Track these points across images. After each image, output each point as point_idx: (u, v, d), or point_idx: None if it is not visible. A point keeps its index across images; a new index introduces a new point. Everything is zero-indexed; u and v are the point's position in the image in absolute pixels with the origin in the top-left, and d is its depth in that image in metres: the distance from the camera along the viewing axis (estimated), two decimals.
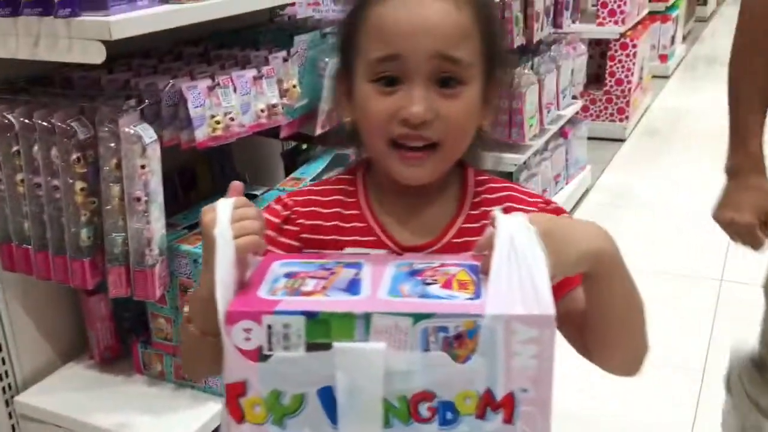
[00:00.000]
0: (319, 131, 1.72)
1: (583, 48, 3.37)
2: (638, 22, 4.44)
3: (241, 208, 0.76)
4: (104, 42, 1.19)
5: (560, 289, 0.70)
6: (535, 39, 2.80)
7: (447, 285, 0.72)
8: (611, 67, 4.24)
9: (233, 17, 1.46)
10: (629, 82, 4.23)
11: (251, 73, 1.51)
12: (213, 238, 0.73)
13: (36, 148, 1.37)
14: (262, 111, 1.53)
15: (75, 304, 1.67)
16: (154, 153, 1.33)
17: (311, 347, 0.68)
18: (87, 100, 1.39)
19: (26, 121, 1.37)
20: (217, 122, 1.43)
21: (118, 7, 1.22)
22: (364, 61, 0.82)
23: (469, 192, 0.90)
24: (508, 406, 0.68)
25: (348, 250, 0.86)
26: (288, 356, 0.68)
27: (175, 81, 1.41)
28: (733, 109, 1.34)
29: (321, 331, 0.67)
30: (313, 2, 1.71)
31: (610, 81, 4.26)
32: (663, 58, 5.47)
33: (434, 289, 0.71)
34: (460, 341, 0.67)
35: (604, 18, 4.13)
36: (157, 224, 1.36)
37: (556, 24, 3.03)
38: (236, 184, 0.80)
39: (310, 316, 0.67)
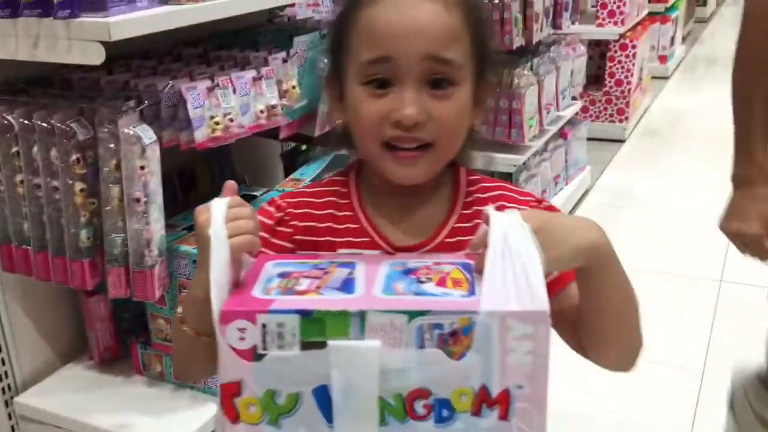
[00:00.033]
0: (318, 132, 1.72)
1: (582, 49, 3.37)
2: (638, 23, 4.45)
3: (236, 208, 0.76)
4: (103, 43, 1.19)
5: (553, 287, 0.70)
6: (535, 40, 2.80)
7: (441, 283, 0.72)
8: (611, 67, 4.24)
9: (233, 18, 1.47)
10: (629, 83, 4.23)
11: (251, 74, 1.51)
12: (207, 237, 0.73)
13: (35, 149, 1.37)
14: (262, 112, 1.53)
15: (74, 304, 1.67)
16: (154, 154, 1.33)
17: (306, 346, 0.68)
18: (86, 101, 1.39)
19: (26, 122, 1.37)
20: (217, 123, 1.43)
21: (117, 8, 1.22)
22: (355, 63, 0.82)
23: (461, 192, 0.90)
24: (504, 402, 0.69)
25: (341, 251, 0.86)
26: (283, 355, 0.68)
27: (174, 82, 1.41)
28: (738, 118, 1.31)
29: (316, 329, 0.67)
30: (312, 3, 1.71)
31: (610, 82, 4.26)
32: (662, 59, 5.47)
33: (428, 287, 0.71)
34: (455, 338, 0.67)
35: (603, 19, 4.13)
36: (156, 225, 1.36)
37: (556, 25, 3.03)
38: (230, 184, 0.80)
39: (305, 314, 0.67)
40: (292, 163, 2.09)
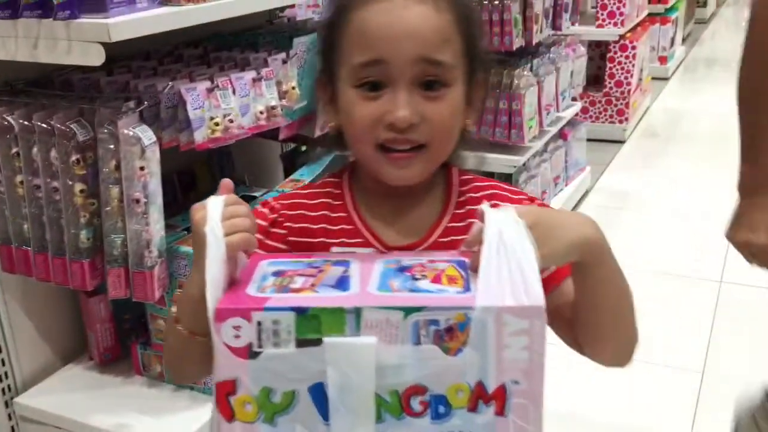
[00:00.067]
0: (318, 133, 1.72)
1: (582, 50, 3.37)
2: (638, 24, 4.45)
3: (232, 206, 0.76)
4: (103, 44, 1.20)
5: (548, 284, 0.70)
6: (535, 41, 2.81)
7: (436, 280, 0.72)
8: (611, 68, 4.24)
9: (232, 19, 1.47)
10: (629, 84, 4.23)
11: (250, 75, 1.51)
12: (203, 235, 0.72)
13: (35, 149, 1.38)
14: (261, 113, 1.53)
15: (74, 305, 1.67)
16: (153, 155, 1.34)
17: (301, 343, 0.67)
18: (86, 101, 1.39)
19: (26, 122, 1.37)
20: (216, 124, 1.43)
21: (117, 9, 1.23)
22: (347, 65, 0.83)
23: (454, 191, 0.91)
24: (500, 398, 0.69)
25: (335, 250, 0.86)
26: (278, 353, 0.68)
27: (174, 83, 1.41)
28: (745, 124, 1.27)
29: (311, 326, 0.67)
30: (312, 4, 1.71)
31: (610, 83, 4.26)
32: (662, 59, 5.47)
33: (424, 283, 0.71)
34: (451, 334, 0.67)
35: (603, 20, 4.13)
36: (156, 226, 1.36)
37: (555, 26, 3.03)
38: (226, 182, 0.80)
39: (300, 311, 0.67)
40: (291, 163, 2.10)
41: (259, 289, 0.71)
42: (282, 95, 1.58)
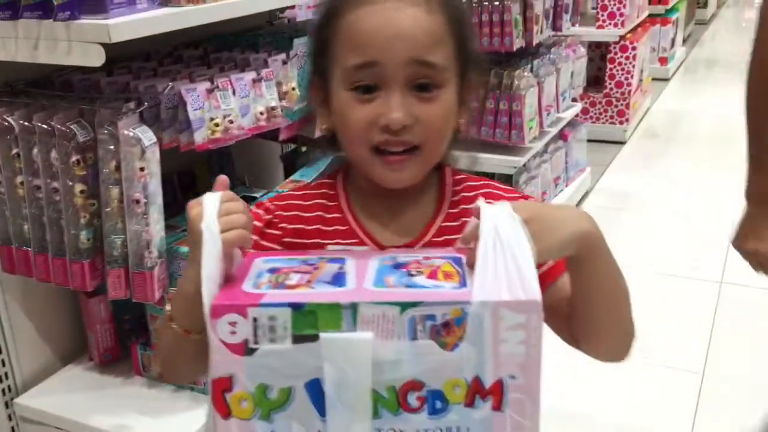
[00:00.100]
0: (318, 134, 1.72)
1: (582, 50, 3.37)
2: (638, 25, 4.45)
3: (228, 202, 0.75)
4: (104, 45, 1.20)
5: (544, 280, 0.70)
6: (535, 42, 2.81)
7: (432, 276, 0.71)
8: (611, 69, 4.24)
9: (233, 20, 1.47)
10: (629, 85, 4.23)
11: (250, 75, 1.52)
12: (200, 231, 0.72)
13: (36, 150, 1.38)
14: (261, 113, 1.53)
15: (74, 306, 1.67)
16: (153, 155, 1.34)
17: (298, 339, 0.67)
18: (86, 102, 1.39)
19: (26, 123, 1.37)
20: (216, 125, 1.43)
21: (117, 10, 1.23)
22: (341, 68, 0.83)
23: (448, 191, 0.91)
24: (497, 393, 0.68)
25: (330, 248, 0.86)
26: (274, 349, 0.67)
27: (174, 84, 1.41)
28: (753, 130, 1.25)
29: (308, 322, 0.67)
30: (312, 5, 1.72)
31: (610, 83, 4.26)
32: (663, 60, 5.47)
33: (420, 279, 0.71)
34: (447, 329, 0.67)
35: (603, 21, 4.13)
36: (156, 226, 1.37)
37: (556, 27, 3.03)
38: (222, 178, 0.80)
39: (296, 307, 0.67)
40: (292, 164, 2.10)
41: (255, 286, 0.71)
42: (282, 96, 1.59)
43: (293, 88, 1.62)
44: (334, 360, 0.67)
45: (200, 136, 1.41)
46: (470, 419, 0.69)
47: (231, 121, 1.46)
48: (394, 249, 0.84)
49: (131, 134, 1.31)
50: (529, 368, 0.68)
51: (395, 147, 0.82)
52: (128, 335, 1.64)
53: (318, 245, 0.87)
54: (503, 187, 0.94)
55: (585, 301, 0.81)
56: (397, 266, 0.74)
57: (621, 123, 4.30)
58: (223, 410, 0.69)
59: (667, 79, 5.57)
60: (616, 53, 4.20)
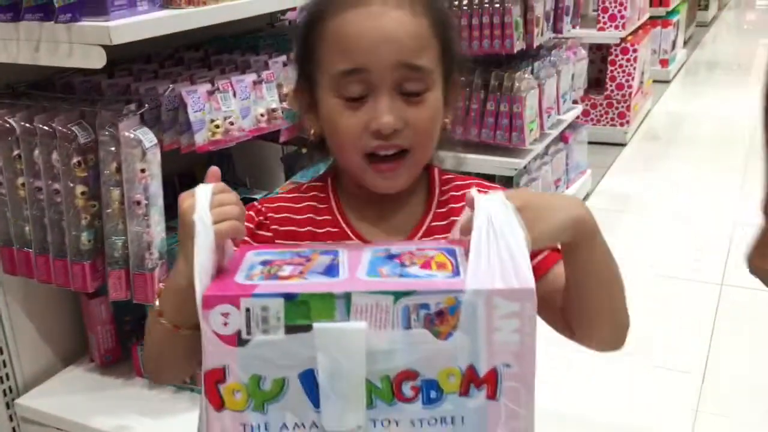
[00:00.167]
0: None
1: (583, 53, 3.37)
2: (639, 27, 4.45)
3: (221, 194, 0.75)
4: (104, 47, 1.20)
5: (536, 272, 0.70)
6: (536, 44, 2.81)
7: (426, 266, 0.71)
8: (612, 71, 4.24)
9: (233, 22, 1.47)
10: (630, 87, 4.23)
11: (251, 77, 1.52)
12: (192, 223, 0.71)
13: (37, 152, 1.38)
14: (262, 115, 1.53)
15: (75, 307, 1.68)
16: (154, 157, 1.34)
17: (291, 329, 0.67)
18: (87, 104, 1.40)
19: (27, 125, 1.38)
20: (217, 126, 1.44)
21: (118, 12, 1.23)
22: (328, 74, 0.83)
23: (436, 191, 0.92)
24: (492, 381, 0.68)
25: None
26: (267, 339, 0.67)
27: (175, 85, 1.42)
28: None
29: (300, 312, 0.67)
30: None
31: (611, 85, 4.26)
32: (664, 62, 5.47)
33: (413, 269, 0.71)
34: (441, 318, 0.67)
35: (604, 23, 4.13)
36: (157, 228, 1.37)
37: (557, 29, 3.03)
38: (214, 170, 0.79)
39: (289, 297, 0.67)
40: (292, 166, 2.10)
41: (247, 277, 0.71)
42: (282, 98, 1.59)
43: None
44: (328, 350, 0.67)
45: (201, 138, 1.41)
46: (465, 408, 0.69)
47: (231, 123, 1.46)
48: (386, 241, 0.84)
49: (132, 136, 1.32)
50: (524, 356, 0.68)
51: (386, 150, 0.83)
52: (129, 336, 1.65)
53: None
54: (492, 185, 0.94)
55: (580, 288, 0.81)
56: (391, 257, 0.74)
57: (622, 125, 4.30)
58: (216, 402, 0.68)
59: (668, 82, 5.57)
60: (617, 55, 4.21)
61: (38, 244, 1.44)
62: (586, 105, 4.21)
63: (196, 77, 1.51)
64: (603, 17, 4.13)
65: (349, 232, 0.88)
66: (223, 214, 0.73)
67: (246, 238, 0.82)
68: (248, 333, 0.67)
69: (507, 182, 2.74)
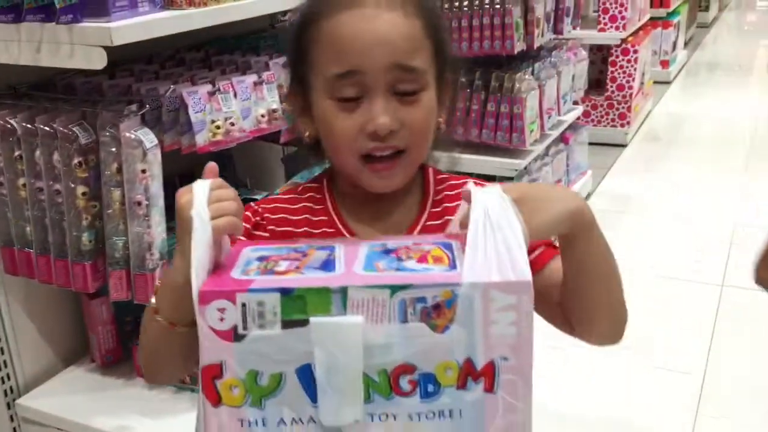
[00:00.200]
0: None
1: (584, 53, 3.37)
2: (639, 28, 4.45)
3: (218, 190, 0.75)
4: (106, 48, 1.20)
5: (533, 267, 0.70)
6: (536, 45, 2.81)
7: (422, 260, 0.71)
8: (612, 72, 4.24)
9: (234, 23, 1.48)
10: (630, 88, 4.23)
11: (252, 78, 1.52)
12: (189, 219, 0.71)
13: (38, 152, 1.39)
14: (263, 116, 1.54)
15: (76, 307, 1.68)
16: (155, 158, 1.34)
17: (287, 324, 0.67)
18: (89, 105, 1.40)
19: (28, 126, 1.38)
20: (218, 127, 1.44)
21: (119, 13, 1.23)
22: (322, 77, 0.83)
23: (431, 191, 0.92)
24: (489, 375, 0.68)
25: None
26: (264, 334, 0.67)
27: (176, 86, 1.42)
28: None
29: (297, 307, 0.67)
30: None
31: (612, 86, 4.26)
32: (664, 63, 5.47)
33: (410, 263, 0.71)
34: (438, 311, 0.67)
35: (605, 24, 4.13)
36: (157, 228, 1.37)
37: (557, 30, 3.03)
38: (211, 165, 0.79)
39: (285, 292, 0.66)
40: (293, 167, 2.10)
41: (244, 273, 0.70)
42: (283, 98, 1.59)
43: None
44: (325, 344, 0.66)
45: (202, 139, 1.42)
46: (463, 401, 0.69)
47: (232, 124, 1.46)
48: (383, 236, 0.84)
49: (133, 136, 1.32)
50: (521, 349, 0.68)
51: (383, 152, 0.83)
52: (130, 337, 1.65)
53: None
54: (486, 184, 0.94)
55: (578, 281, 0.81)
56: (387, 252, 0.74)
57: (622, 126, 4.30)
58: (214, 398, 0.68)
59: (668, 82, 5.57)
60: (617, 56, 4.21)
61: (39, 245, 1.44)
62: (587, 106, 4.21)
63: (197, 78, 1.51)
64: (603, 18, 4.13)
65: (345, 233, 0.88)
66: (221, 210, 0.73)
67: (241, 238, 0.83)
68: (245, 328, 0.67)
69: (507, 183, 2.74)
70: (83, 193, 1.36)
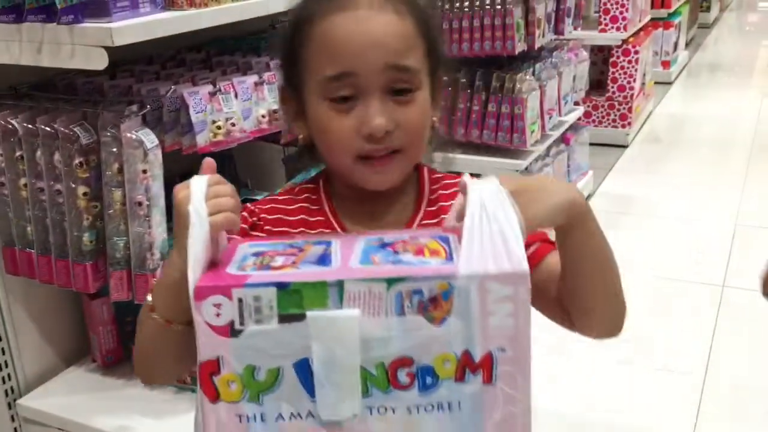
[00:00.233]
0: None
1: (585, 54, 3.37)
2: (640, 29, 4.45)
3: (216, 186, 0.74)
4: (107, 48, 1.20)
5: (530, 262, 0.70)
6: (537, 45, 2.81)
7: (419, 253, 0.71)
8: (613, 73, 4.24)
9: (235, 24, 1.48)
10: (631, 89, 4.23)
11: (252, 78, 1.52)
12: (187, 214, 0.71)
13: (39, 152, 1.39)
14: (263, 116, 1.54)
15: (77, 307, 1.68)
16: (156, 158, 1.34)
17: (284, 319, 0.67)
18: (89, 105, 1.40)
19: (30, 126, 1.38)
20: (219, 128, 1.44)
21: (120, 13, 1.24)
22: (316, 79, 0.83)
23: (426, 190, 0.93)
24: (487, 366, 0.68)
25: None
26: (261, 329, 0.67)
27: (176, 87, 1.42)
28: None
29: (293, 301, 0.66)
30: None
31: (613, 87, 4.26)
32: (665, 64, 5.47)
33: (406, 257, 0.71)
34: (435, 304, 0.67)
35: (606, 24, 4.13)
36: (158, 229, 1.37)
37: (558, 30, 3.03)
38: (209, 161, 0.79)
39: (281, 287, 0.66)
40: (293, 167, 2.10)
41: (240, 269, 0.70)
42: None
43: None
44: (322, 338, 0.66)
45: (202, 139, 1.42)
46: (461, 394, 0.68)
47: (233, 124, 1.46)
48: (380, 231, 0.84)
49: (134, 137, 1.32)
50: (519, 340, 0.68)
51: (379, 153, 0.83)
52: (130, 337, 1.63)
53: None
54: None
55: (575, 273, 0.81)
56: (384, 245, 0.73)
57: (623, 127, 4.30)
58: (212, 394, 0.68)
59: (669, 83, 5.57)
60: (618, 57, 4.21)
61: (40, 245, 1.44)
62: (588, 106, 4.21)
63: (198, 78, 1.51)
64: (604, 19, 4.13)
65: (341, 233, 0.88)
66: (219, 206, 0.73)
67: (235, 237, 0.83)
68: (241, 323, 0.67)
69: None
70: (84, 194, 1.37)
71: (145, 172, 1.33)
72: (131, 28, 1.23)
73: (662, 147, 4.42)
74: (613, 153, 4.17)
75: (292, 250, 0.73)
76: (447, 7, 2.69)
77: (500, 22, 2.64)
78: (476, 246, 0.68)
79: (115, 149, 1.34)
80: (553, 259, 0.83)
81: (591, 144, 3.60)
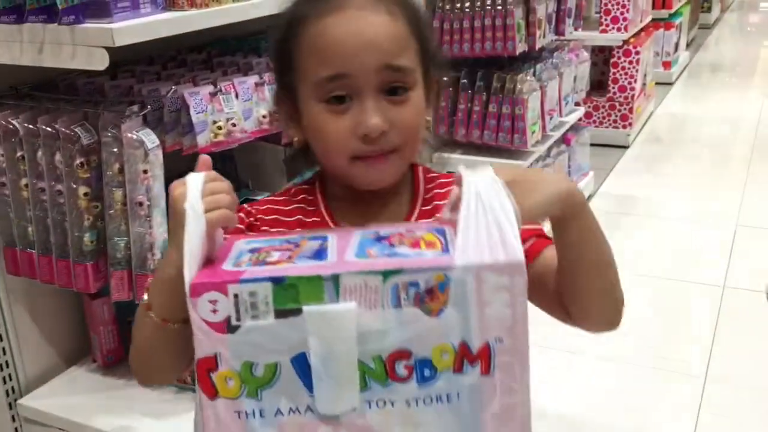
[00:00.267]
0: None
1: (585, 55, 3.37)
2: (641, 29, 4.45)
3: (213, 182, 0.74)
4: (107, 48, 1.21)
5: (527, 256, 0.70)
6: (538, 46, 2.81)
7: (415, 245, 0.71)
8: (614, 73, 4.24)
9: (236, 24, 1.48)
10: (632, 89, 4.23)
11: (253, 79, 1.53)
12: (183, 211, 0.71)
13: (40, 153, 1.39)
14: (264, 117, 1.54)
15: (78, 307, 1.68)
16: (157, 158, 1.35)
17: (280, 314, 0.66)
18: (90, 105, 1.40)
19: (30, 126, 1.38)
20: (219, 128, 1.44)
21: (121, 14, 1.24)
22: (310, 81, 0.83)
23: (421, 189, 0.93)
24: (485, 357, 0.68)
25: None
26: (257, 325, 0.66)
27: (177, 87, 1.42)
28: None
29: (289, 296, 0.66)
30: None
31: (613, 88, 4.26)
32: (666, 64, 5.47)
33: (402, 249, 0.70)
34: (431, 295, 0.66)
35: (607, 25, 4.13)
36: (159, 229, 1.37)
37: (559, 31, 3.03)
38: (205, 158, 0.79)
39: (277, 281, 0.66)
40: (294, 168, 2.10)
41: (235, 265, 0.70)
42: None
43: None
44: (319, 332, 0.66)
45: (203, 139, 1.42)
46: (460, 385, 0.68)
47: (234, 125, 1.47)
48: (376, 225, 0.83)
49: (134, 137, 1.32)
50: (516, 330, 0.68)
51: (375, 153, 0.84)
52: (131, 337, 1.65)
53: None
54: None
55: (572, 265, 0.80)
56: (379, 239, 0.73)
57: (624, 127, 4.30)
58: (210, 391, 0.68)
59: (670, 84, 5.57)
60: (619, 57, 4.21)
61: (41, 245, 1.44)
62: (589, 107, 4.21)
63: (199, 79, 1.52)
64: (605, 19, 4.13)
65: (337, 228, 0.89)
66: (215, 203, 0.73)
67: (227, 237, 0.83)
68: (238, 319, 0.67)
69: None
70: (85, 194, 1.37)
71: (145, 172, 1.33)
72: (132, 28, 1.23)
73: (663, 148, 4.42)
74: (613, 154, 4.17)
75: (288, 246, 0.73)
76: (448, 7, 2.69)
77: (501, 22, 2.64)
78: (472, 236, 0.68)
79: (115, 149, 1.34)
80: (550, 254, 0.83)
81: (592, 145, 3.60)
